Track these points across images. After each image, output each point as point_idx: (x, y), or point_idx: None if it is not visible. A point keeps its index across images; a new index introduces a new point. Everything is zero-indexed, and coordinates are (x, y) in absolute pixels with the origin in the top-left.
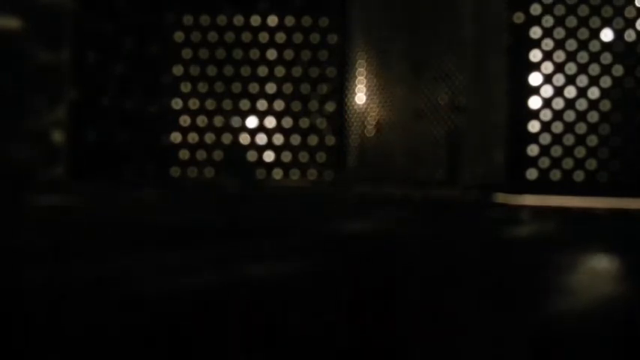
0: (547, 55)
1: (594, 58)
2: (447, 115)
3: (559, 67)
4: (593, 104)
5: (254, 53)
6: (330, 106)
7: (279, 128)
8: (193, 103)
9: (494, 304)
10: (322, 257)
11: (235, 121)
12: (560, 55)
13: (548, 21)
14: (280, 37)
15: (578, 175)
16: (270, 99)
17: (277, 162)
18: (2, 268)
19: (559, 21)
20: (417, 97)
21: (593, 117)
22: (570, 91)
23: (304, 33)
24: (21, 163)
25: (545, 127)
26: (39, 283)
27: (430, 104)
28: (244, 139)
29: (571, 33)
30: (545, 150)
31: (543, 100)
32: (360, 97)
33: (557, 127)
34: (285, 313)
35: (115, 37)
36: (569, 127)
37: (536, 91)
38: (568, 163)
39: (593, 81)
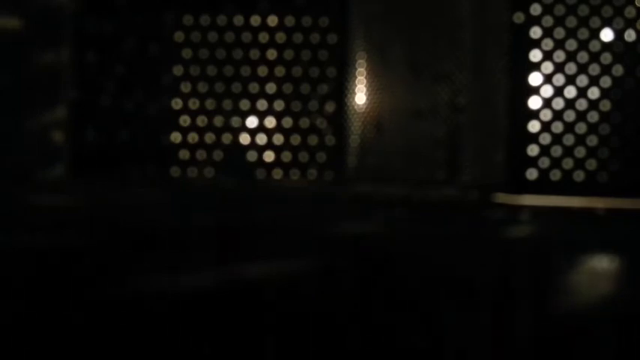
0: (547, 55)
1: (594, 58)
2: (447, 115)
3: (559, 67)
4: (593, 104)
5: (254, 53)
6: (330, 106)
7: (279, 128)
8: (193, 103)
9: (494, 303)
10: (322, 258)
11: (235, 121)
12: (560, 55)
13: (548, 21)
14: (280, 37)
15: (578, 175)
16: (270, 99)
17: (277, 162)
18: (2, 268)
19: (559, 21)
20: (417, 97)
21: (593, 117)
22: (570, 91)
23: (304, 33)
24: (21, 163)
25: (545, 127)
26: (37, 283)
27: (430, 104)
28: (244, 139)
29: (571, 33)
30: (545, 150)
31: (543, 100)
32: (360, 97)
33: (557, 127)
34: (284, 313)
35: (115, 37)
36: (569, 127)
37: (536, 91)
38: (568, 163)
39: (593, 81)
